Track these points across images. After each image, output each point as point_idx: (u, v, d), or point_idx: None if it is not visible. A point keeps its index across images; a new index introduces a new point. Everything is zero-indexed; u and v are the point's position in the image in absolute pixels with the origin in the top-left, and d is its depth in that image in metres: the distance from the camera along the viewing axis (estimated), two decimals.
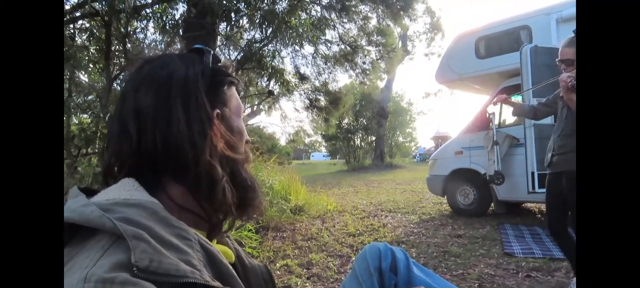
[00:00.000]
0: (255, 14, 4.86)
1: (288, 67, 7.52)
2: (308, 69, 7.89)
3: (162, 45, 4.63)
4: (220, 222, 0.61)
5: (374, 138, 20.93)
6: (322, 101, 8.12)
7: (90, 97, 3.88)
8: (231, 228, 0.66)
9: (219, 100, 0.60)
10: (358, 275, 0.83)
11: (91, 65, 3.97)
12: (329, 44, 7.47)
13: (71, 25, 3.66)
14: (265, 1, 5.00)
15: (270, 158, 6.62)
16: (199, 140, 0.54)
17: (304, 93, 7.99)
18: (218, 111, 0.59)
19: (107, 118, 3.05)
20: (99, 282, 0.39)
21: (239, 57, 6.05)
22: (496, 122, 4.65)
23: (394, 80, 20.49)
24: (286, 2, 5.32)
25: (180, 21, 4.62)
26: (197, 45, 0.62)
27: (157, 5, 4.44)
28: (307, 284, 2.66)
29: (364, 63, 7.72)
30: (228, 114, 0.61)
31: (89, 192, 0.54)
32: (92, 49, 3.95)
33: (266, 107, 9.31)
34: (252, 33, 5.93)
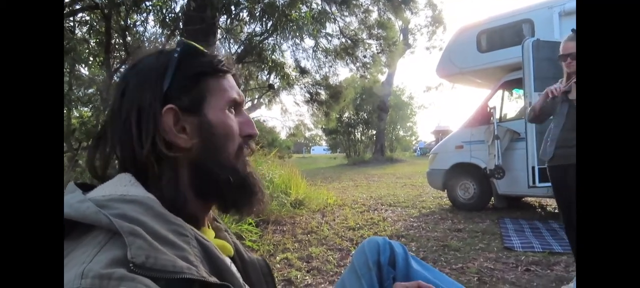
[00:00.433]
0: (256, 7, 4.83)
1: (288, 60, 7.49)
2: (308, 63, 7.88)
3: (162, 38, 4.61)
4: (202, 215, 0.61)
5: (374, 132, 20.92)
6: (323, 95, 8.09)
7: (90, 90, 3.87)
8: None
9: (189, 94, 0.57)
10: (357, 269, 0.83)
11: (91, 58, 3.96)
12: (329, 38, 7.43)
13: (71, 18, 3.64)
14: None
15: (270, 152, 6.62)
16: (145, 139, 0.54)
17: (305, 87, 7.96)
18: (171, 106, 0.55)
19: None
20: (96, 277, 0.39)
21: (239, 51, 6.03)
22: (497, 116, 4.64)
23: (395, 73, 20.42)
24: None
25: (180, 14, 4.60)
26: (180, 39, 0.61)
27: None
28: (307, 277, 2.67)
29: (364, 57, 7.68)
30: (205, 108, 0.58)
31: (86, 187, 0.54)
32: (92, 42, 3.94)
33: (266, 100, 9.30)
34: (253, 26, 5.90)
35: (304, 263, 2.96)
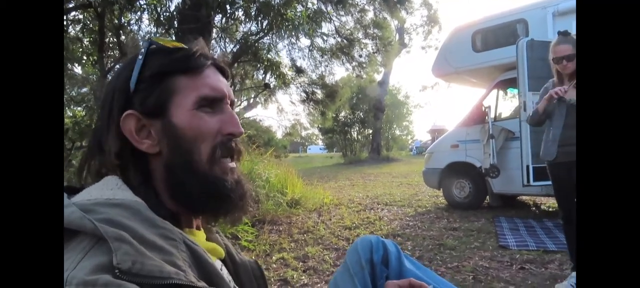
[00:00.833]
0: (251, 6, 4.81)
1: (284, 60, 7.46)
2: (304, 62, 7.84)
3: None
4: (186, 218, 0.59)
5: (370, 131, 20.94)
6: (319, 94, 8.09)
7: (84, 90, 3.84)
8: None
9: (152, 97, 0.54)
10: (350, 268, 0.83)
11: (85, 57, 3.93)
12: (325, 37, 7.42)
13: (64, 17, 3.61)
14: None
15: (266, 151, 6.61)
16: (111, 143, 0.55)
17: (301, 86, 7.95)
18: (130, 112, 0.54)
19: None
20: (80, 284, 0.38)
21: (234, 50, 6.00)
22: (492, 115, 4.66)
23: (391, 73, 20.46)
24: None
25: (175, 13, 4.57)
26: (148, 38, 0.60)
27: None
28: (303, 277, 2.67)
29: (360, 56, 7.69)
30: (171, 109, 0.55)
31: (72, 191, 0.54)
32: (85, 41, 3.90)
33: (262, 100, 9.28)
34: (248, 25, 5.87)
35: (300, 263, 2.96)
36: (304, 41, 7.46)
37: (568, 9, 4.04)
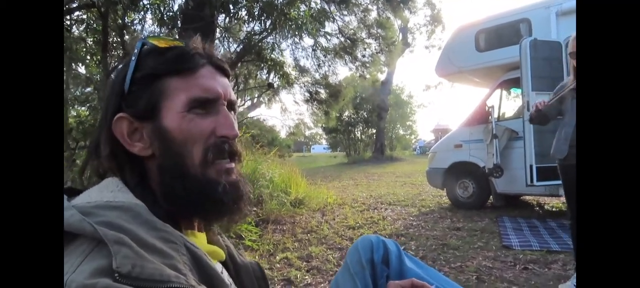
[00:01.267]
0: (254, 5, 4.82)
1: (288, 59, 7.50)
2: (308, 62, 7.90)
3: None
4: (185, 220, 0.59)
5: (374, 131, 20.92)
6: (322, 94, 8.10)
7: (88, 90, 3.87)
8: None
9: (143, 99, 0.54)
10: (350, 268, 0.82)
11: (88, 57, 3.95)
12: (328, 37, 7.44)
13: (68, 17, 3.63)
14: None
15: (270, 151, 6.62)
16: (104, 146, 0.55)
17: (304, 86, 7.97)
18: (121, 115, 0.53)
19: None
20: None
21: (238, 50, 6.02)
22: (495, 115, 4.64)
23: (394, 72, 20.41)
24: None
25: (178, 13, 4.59)
26: (141, 38, 0.57)
27: None
28: (307, 277, 2.67)
29: (363, 56, 7.69)
30: (162, 112, 0.54)
31: (72, 192, 0.54)
32: (89, 41, 3.93)
33: (266, 99, 9.30)
34: (251, 25, 5.88)
35: (304, 263, 2.96)
36: (308, 41, 7.51)
37: (571, 9, 4.02)
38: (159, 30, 4.38)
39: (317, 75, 7.89)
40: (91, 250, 0.43)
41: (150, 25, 4.88)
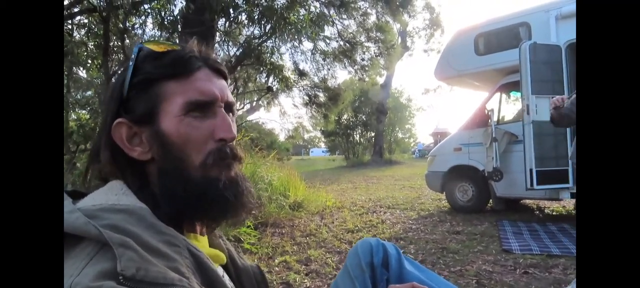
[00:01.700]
0: (254, 10, 4.84)
1: (287, 63, 7.51)
2: (307, 65, 7.88)
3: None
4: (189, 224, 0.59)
5: (373, 134, 20.93)
6: (321, 97, 8.11)
7: (88, 93, 3.87)
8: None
9: (141, 103, 0.54)
10: (350, 271, 0.83)
11: (89, 61, 3.96)
12: (327, 40, 7.45)
13: (69, 21, 3.64)
14: None
15: (269, 154, 6.62)
16: (103, 150, 0.56)
17: (303, 89, 7.97)
18: (120, 120, 0.54)
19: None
20: None
21: (237, 53, 6.03)
22: (495, 118, 4.65)
23: (393, 76, 20.44)
24: None
25: (178, 17, 4.60)
26: (138, 43, 0.57)
27: (156, 1, 4.42)
28: (306, 280, 2.67)
29: (363, 59, 7.71)
30: (160, 116, 0.54)
31: (77, 195, 0.54)
32: (90, 45, 3.94)
33: (265, 103, 9.30)
34: (251, 29, 5.91)
35: (303, 266, 2.96)
36: (307, 44, 7.52)
37: (571, 13, 4.04)
38: (159, 34, 4.40)
39: (316, 79, 7.91)
40: (96, 253, 0.43)
41: (151, 29, 4.89)
